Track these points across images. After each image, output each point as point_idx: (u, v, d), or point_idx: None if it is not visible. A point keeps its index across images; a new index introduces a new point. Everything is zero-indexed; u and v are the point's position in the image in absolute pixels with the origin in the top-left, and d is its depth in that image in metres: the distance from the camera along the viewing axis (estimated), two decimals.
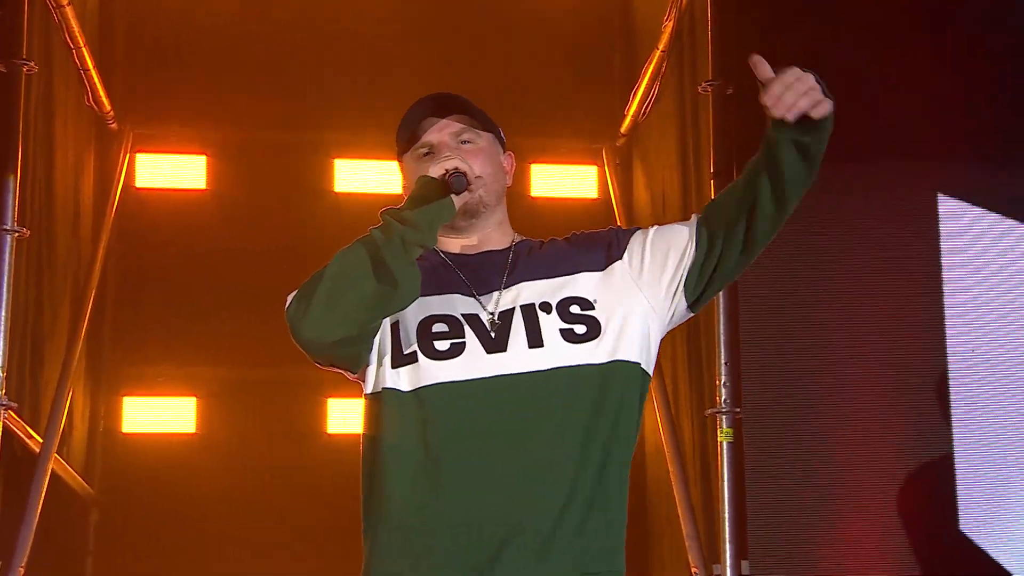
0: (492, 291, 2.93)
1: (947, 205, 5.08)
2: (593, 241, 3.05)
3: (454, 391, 2.82)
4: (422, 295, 2.86)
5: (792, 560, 4.80)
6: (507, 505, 2.78)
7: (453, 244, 3.06)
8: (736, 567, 4.83)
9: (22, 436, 5.21)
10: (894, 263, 4.99)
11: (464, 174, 2.78)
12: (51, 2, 5.53)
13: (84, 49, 6.05)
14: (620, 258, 2.96)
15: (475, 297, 2.93)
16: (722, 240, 2.86)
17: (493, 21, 7.11)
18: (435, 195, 2.76)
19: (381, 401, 2.88)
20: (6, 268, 4.91)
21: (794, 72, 2.63)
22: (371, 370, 2.91)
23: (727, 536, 4.86)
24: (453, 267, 3.00)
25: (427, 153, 2.99)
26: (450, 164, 2.78)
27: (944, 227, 5.04)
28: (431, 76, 6.76)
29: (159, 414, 6.78)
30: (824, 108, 2.65)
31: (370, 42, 7.02)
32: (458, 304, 2.91)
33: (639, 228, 3.01)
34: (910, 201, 5.08)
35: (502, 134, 3.13)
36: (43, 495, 5.27)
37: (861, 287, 4.96)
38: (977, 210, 5.08)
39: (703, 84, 5.23)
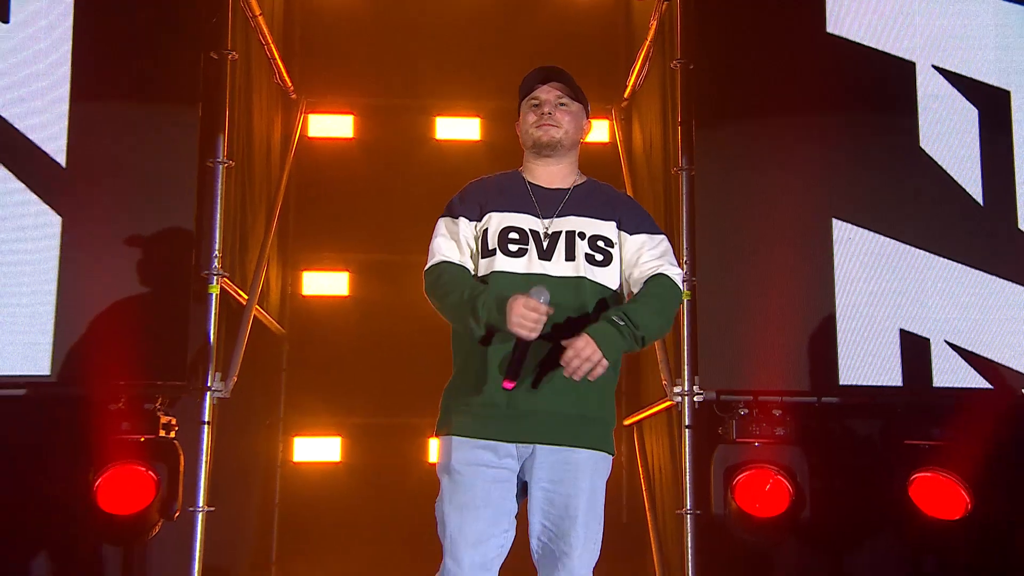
0: (550, 217, 2.89)
1: None
2: (631, 209, 2.99)
3: (512, 279, 2.82)
4: (508, 208, 2.89)
5: (730, 376, 4.75)
6: (533, 358, 2.76)
7: (536, 174, 2.98)
8: (691, 380, 4.81)
9: (234, 295, 5.27)
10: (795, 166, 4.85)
11: (527, 342, 2.70)
12: (248, 13, 5.52)
13: (272, 45, 6.05)
14: (631, 235, 2.92)
15: (539, 218, 2.89)
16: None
17: (538, 23, 7.01)
18: (492, 323, 2.72)
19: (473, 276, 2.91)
20: (219, 185, 4.89)
21: (577, 346, 2.64)
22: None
23: (686, 361, 4.84)
24: (531, 195, 2.94)
25: (536, 105, 2.93)
26: (524, 333, 2.68)
27: None
28: (496, 57, 6.75)
29: (325, 283, 6.82)
30: (598, 373, 2.68)
31: (460, 33, 6.95)
32: (528, 220, 2.88)
33: (650, 230, 2.96)
34: None
35: (588, 107, 3.04)
36: (247, 333, 5.32)
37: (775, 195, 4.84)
38: None
39: (673, 62, 5.16)
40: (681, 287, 2.94)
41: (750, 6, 5.01)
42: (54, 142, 4.74)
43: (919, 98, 4.86)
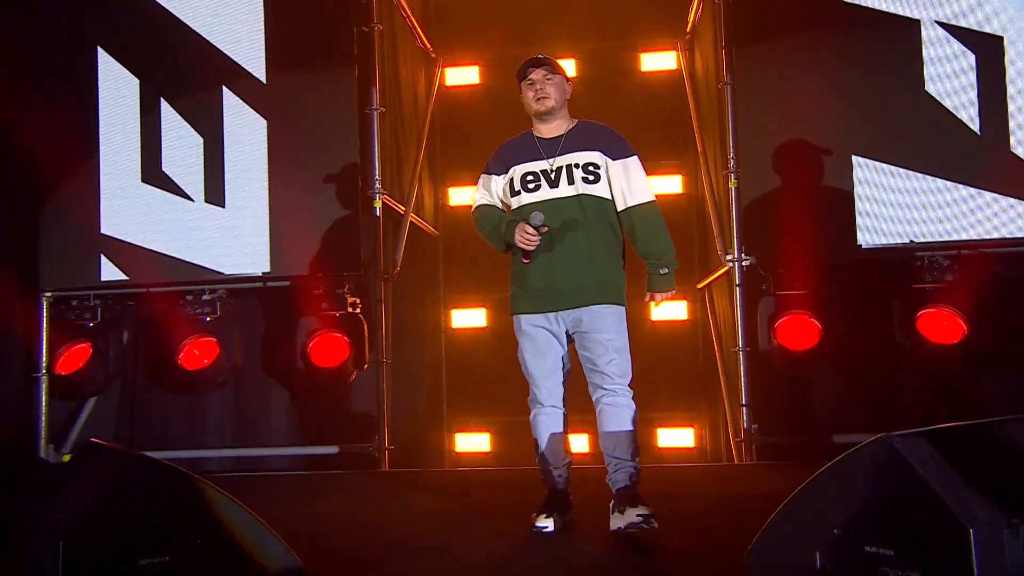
0: (553, 157, 3.11)
1: None
2: (609, 137, 3.14)
3: (535, 205, 3.09)
4: (524, 160, 3.14)
5: (767, 245, 4.73)
6: (557, 253, 3.07)
7: (540, 130, 3.20)
8: (740, 250, 4.81)
9: (394, 207, 5.38)
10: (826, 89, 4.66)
11: (528, 252, 3.03)
12: None
13: (411, 16, 6.08)
14: (613, 160, 3.10)
15: (545, 160, 3.12)
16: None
17: None
18: (507, 243, 3.06)
19: (512, 210, 3.16)
20: (374, 127, 5.03)
21: (657, 299, 3.08)
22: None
23: (736, 236, 4.84)
24: (538, 145, 3.18)
25: (531, 83, 3.14)
26: (519, 244, 3.02)
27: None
28: (589, 7, 6.59)
29: (467, 196, 6.79)
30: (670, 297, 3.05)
31: None
32: (539, 164, 3.12)
33: (630, 155, 3.11)
34: None
35: (568, 77, 3.20)
36: (405, 235, 5.43)
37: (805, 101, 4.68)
38: None
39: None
40: (653, 202, 3.13)
41: None
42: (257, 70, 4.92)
43: (924, 49, 4.59)
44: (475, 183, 6.77)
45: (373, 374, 4.96)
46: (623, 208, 3.12)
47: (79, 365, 5.03)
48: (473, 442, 6.41)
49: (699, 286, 6.41)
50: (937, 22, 4.62)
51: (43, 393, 5.03)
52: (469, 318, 6.64)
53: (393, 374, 5.05)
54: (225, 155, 4.87)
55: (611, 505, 2.98)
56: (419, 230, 6.17)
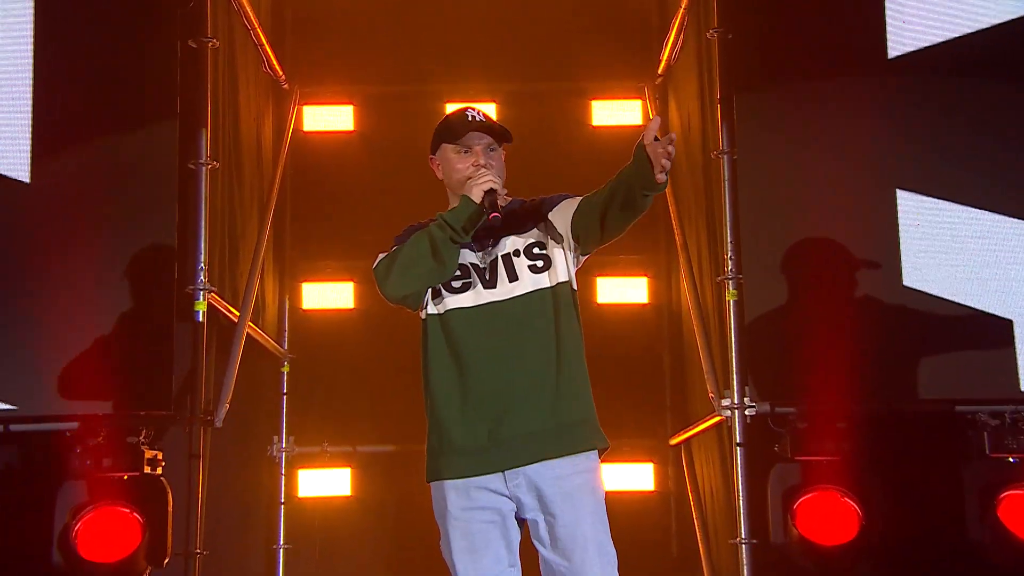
0: (486, 246, 3.26)
1: None
2: (547, 199, 3.31)
3: (466, 313, 3.19)
4: None
5: (785, 385, 4.75)
6: (505, 384, 3.13)
7: None
8: (741, 392, 4.82)
9: (224, 311, 5.29)
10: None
11: (495, 191, 3.12)
12: None
13: (258, 29, 6.09)
14: (553, 209, 3.27)
15: (475, 251, 3.26)
16: (582, 232, 3.20)
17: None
18: (474, 210, 3.11)
19: (426, 323, 3.24)
20: (202, 190, 4.95)
21: (672, 137, 2.89)
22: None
23: (734, 370, 4.85)
24: None
25: (466, 152, 3.25)
26: (485, 185, 3.11)
27: None
28: (514, 32, 6.80)
29: (327, 295, 6.85)
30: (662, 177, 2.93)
31: (472, 6, 6.95)
32: (466, 256, 3.24)
33: (565, 197, 3.29)
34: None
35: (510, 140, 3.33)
36: (240, 353, 5.36)
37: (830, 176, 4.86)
38: None
39: (710, 31, 5.16)
40: None
41: None
42: (13, 154, 4.80)
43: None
44: (344, 278, 6.84)
45: (179, 573, 4.66)
46: (573, 210, 3.23)
47: None
48: None
49: (672, 442, 6.42)
50: None
51: None
52: (326, 482, 6.67)
53: (208, 573, 4.84)
54: None
55: None
56: (258, 347, 6.11)
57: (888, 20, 4.91)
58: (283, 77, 6.74)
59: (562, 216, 3.25)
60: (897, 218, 4.78)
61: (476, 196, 3.12)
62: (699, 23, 5.63)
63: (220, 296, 5.17)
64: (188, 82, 4.94)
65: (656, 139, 2.89)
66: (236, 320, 5.47)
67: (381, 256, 3.27)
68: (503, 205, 3.20)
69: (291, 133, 6.73)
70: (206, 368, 4.91)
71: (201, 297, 4.89)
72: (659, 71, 6.66)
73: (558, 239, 3.27)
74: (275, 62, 6.54)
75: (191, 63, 4.99)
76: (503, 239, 3.26)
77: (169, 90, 4.84)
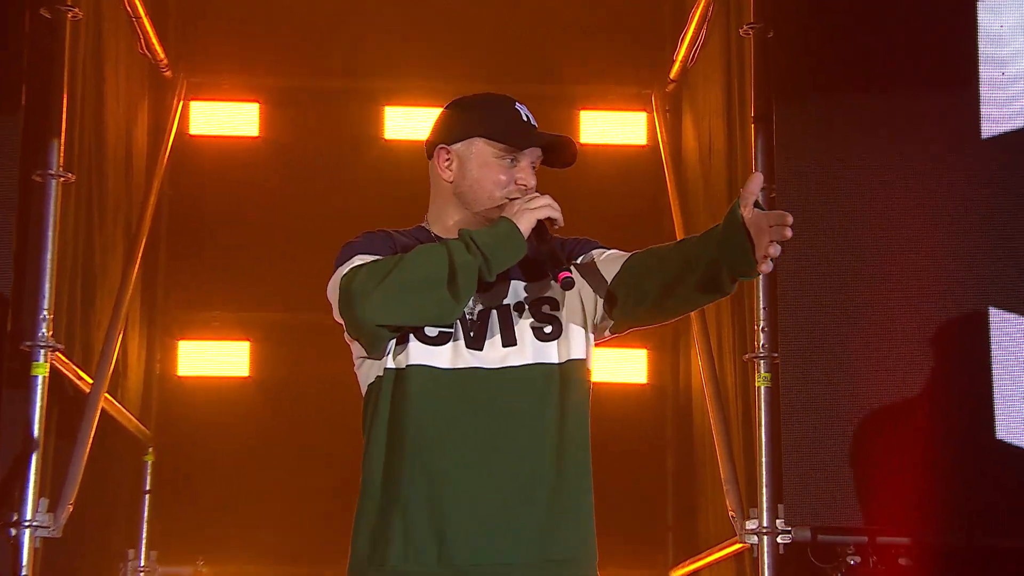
0: (481, 290, 3.07)
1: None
2: (562, 244, 3.18)
3: (434, 375, 3.01)
4: None
5: (831, 506, 4.78)
6: (477, 489, 2.96)
7: (455, 234, 3.13)
8: (772, 511, 4.83)
9: (72, 377, 5.26)
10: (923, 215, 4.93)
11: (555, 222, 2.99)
12: None
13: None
14: (579, 262, 3.15)
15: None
16: (626, 299, 3.02)
17: None
18: (519, 242, 2.94)
19: (378, 383, 3.08)
20: (51, 211, 4.94)
21: (788, 218, 2.66)
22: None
23: (764, 481, 4.86)
24: None
25: (512, 162, 3.11)
26: (542, 212, 2.95)
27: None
28: (480, 26, 6.88)
29: (213, 357, 6.84)
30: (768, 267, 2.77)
31: None
32: None
33: (596, 245, 3.18)
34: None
35: None
36: (92, 434, 5.32)
37: (893, 238, 4.91)
38: None
39: (744, 27, 5.21)
40: None
41: None
42: None
43: None
44: (237, 335, 6.81)
45: None
46: (617, 267, 3.09)
47: None
48: None
49: (675, 575, 6.36)
50: None
51: None
52: None
53: None
54: None
55: None
56: (115, 425, 6.06)
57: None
58: (165, 61, 6.74)
59: (595, 271, 3.13)
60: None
61: (525, 225, 2.98)
62: (728, 15, 5.70)
63: (67, 356, 5.14)
64: (38, 64, 4.95)
65: (757, 204, 2.74)
66: (88, 389, 5.45)
67: (354, 263, 3.06)
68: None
69: (173, 137, 6.74)
70: (44, 455, 4.87)
71: (42, 357, 4.88)
72: (671, 75, 6.72)
73: (580, 300, 3.14)
74: (155, 40, 6.53)
75: (42, 38, 5.00)
76: (505, 283, 3.11)
77: (11, 75, 4.86)
